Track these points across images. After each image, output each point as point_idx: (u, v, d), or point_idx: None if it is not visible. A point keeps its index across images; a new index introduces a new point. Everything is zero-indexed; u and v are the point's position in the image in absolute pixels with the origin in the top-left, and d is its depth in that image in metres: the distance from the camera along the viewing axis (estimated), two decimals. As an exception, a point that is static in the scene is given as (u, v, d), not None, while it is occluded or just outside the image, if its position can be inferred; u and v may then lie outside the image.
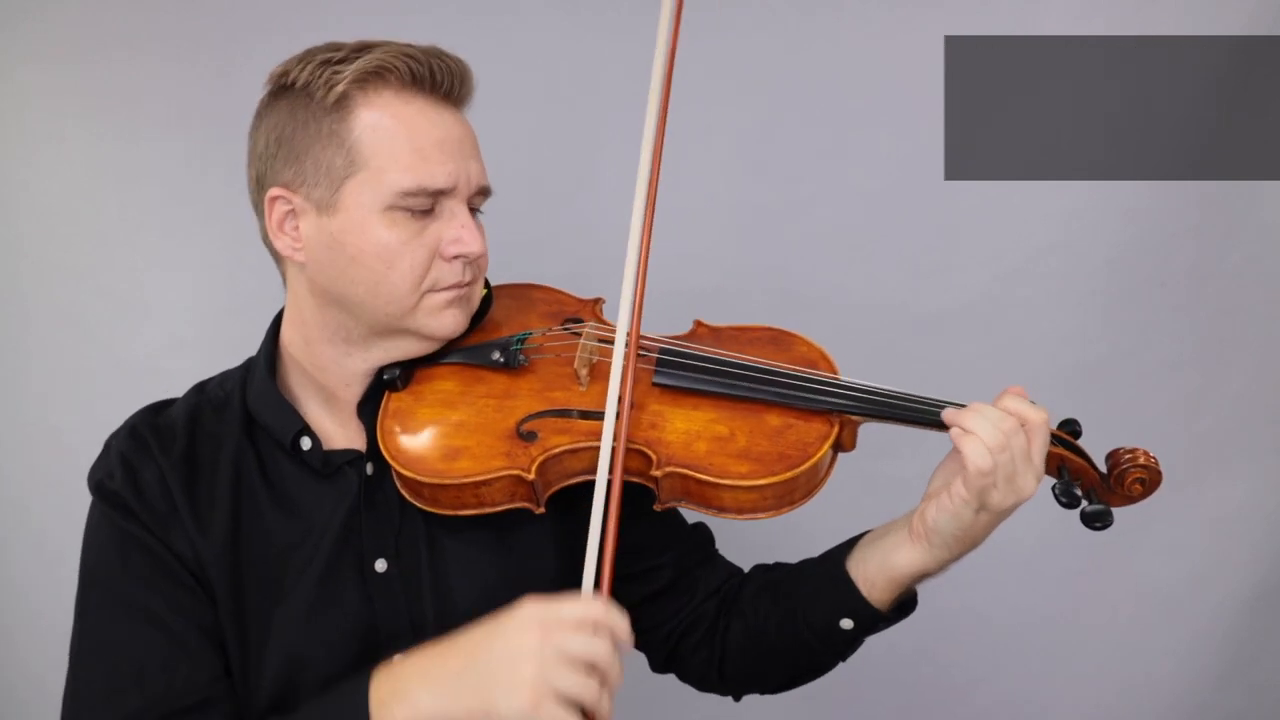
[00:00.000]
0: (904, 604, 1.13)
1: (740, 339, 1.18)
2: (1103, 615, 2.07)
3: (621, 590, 1.22)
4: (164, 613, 1.04)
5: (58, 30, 1.79)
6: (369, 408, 1.12)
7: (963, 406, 1.05)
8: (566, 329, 1.19)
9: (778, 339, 1.18)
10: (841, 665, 1.19)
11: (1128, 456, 1.05)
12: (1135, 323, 1.96)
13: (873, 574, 1.09)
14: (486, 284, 1.21)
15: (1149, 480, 1.04)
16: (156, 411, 1.15)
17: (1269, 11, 1.81)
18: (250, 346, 1.26)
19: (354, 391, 1.14)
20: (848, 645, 1.14)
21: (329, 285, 1.08)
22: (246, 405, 1.14)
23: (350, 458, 1.12)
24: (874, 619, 1.10)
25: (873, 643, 1.19)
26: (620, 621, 0.88)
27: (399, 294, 1.06)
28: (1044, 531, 1.66)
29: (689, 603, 1.23)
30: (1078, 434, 1.11)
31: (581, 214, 1.90)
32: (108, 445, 1.13)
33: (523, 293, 1.27)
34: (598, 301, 1.26)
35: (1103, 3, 1.85)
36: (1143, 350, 1.97)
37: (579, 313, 1.23)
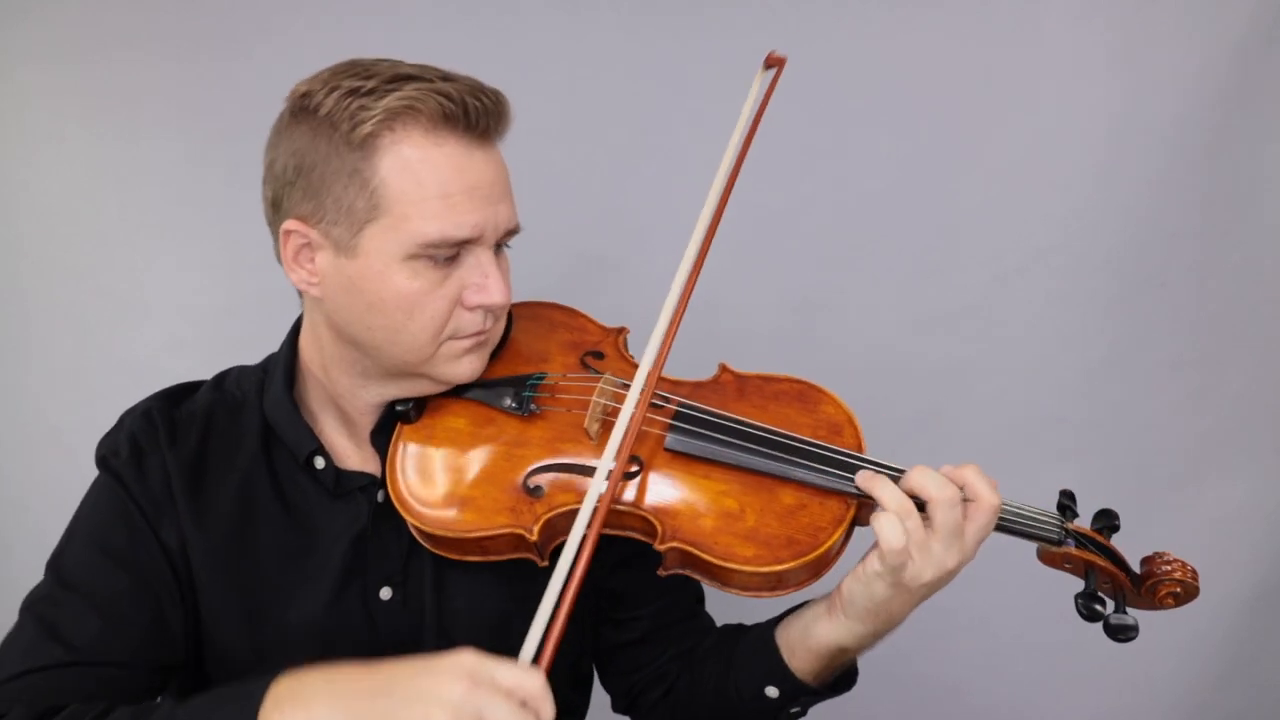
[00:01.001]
0: (840, 680, 1.09)
1: (765, 391, 1.13)
2: (1103, 615, 2.07)
3: (598, 633, 1.22)
4: (130, 584, 1.04)
5: (58, 30, 1.79)
6: (382, 437, 1.10)
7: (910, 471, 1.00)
8: (585, 368, 1.15)
9: (804, 395, 1.12)
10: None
11: (1165, 568, 0.99)
12: (1135, 323, 1.96)
13: (794, 642, 1.05)
14: None
15: (1183, 595, 1.00)
16: (175, 403, 1.13)
17: (1269, 11, 1.81)
18: (250, 346, 1.26)
19: (369, 419, 1.12)
20: (775, 714, 1.08)
21: (345, 326, 1.05)
22: (264, 411, 1.13)
23: (363, 482, 1.11)
24: (797, 690, 1.05)
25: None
26: (549, 708, 0.81)
27: (418, 343, 1.03)
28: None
29: (657, 658, 1.21)
30: (1115, 528, 1.04)
31: (582, 215, 1.90)
32: (121, 421, 1.12)
33: (543, 314, 1.23)
34: (621, 332, 1.20)
35: (1103, 3, 1.85)
36: (1143, 350, 1.97)
37: (600, 344, 1.18)
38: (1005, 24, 1.86)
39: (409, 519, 1.04)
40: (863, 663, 1.22)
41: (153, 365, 1.84)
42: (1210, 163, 1.88)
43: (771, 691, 1.06)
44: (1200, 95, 1.85)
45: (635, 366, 1.11)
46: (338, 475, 1.10)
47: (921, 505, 0.96)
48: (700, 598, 1.27)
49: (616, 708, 1.30)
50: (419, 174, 0.97)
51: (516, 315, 1.21)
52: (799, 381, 1.13)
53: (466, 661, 0.81)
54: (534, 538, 1.01)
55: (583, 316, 1.23)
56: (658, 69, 1.89)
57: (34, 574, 1.17)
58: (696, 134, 1.89)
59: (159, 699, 1.06)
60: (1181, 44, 1.83)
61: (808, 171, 1.92)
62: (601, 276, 1.89)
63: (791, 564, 0.97)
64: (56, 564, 1.07)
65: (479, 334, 1.05)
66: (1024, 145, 1.90)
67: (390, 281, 0.99)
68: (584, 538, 0.93)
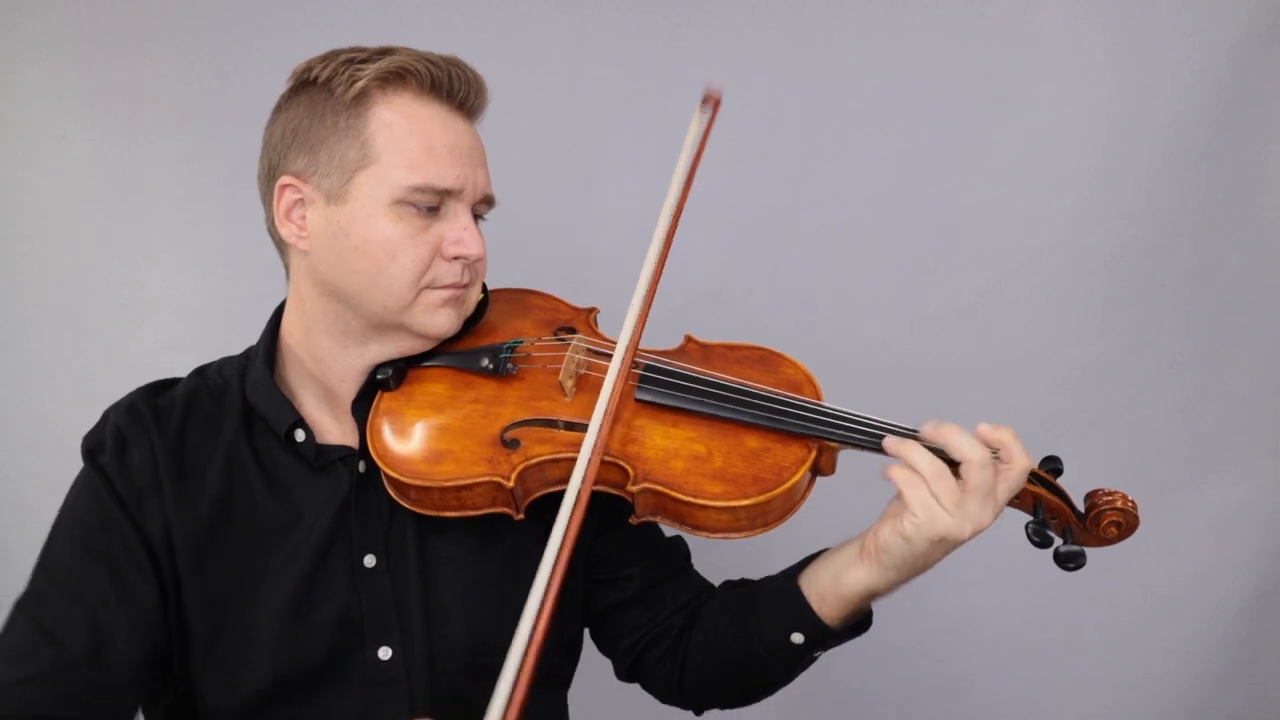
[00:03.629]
0: (859, 622, 1.12)
1: (729, 357, 1.18)
2: (1103, 615, 2.07)
3: (590, 597, 1.24)
4: (113, 579, 1.06)
5: (58, 30, 1.79)
6: (362, 406, 1.14)
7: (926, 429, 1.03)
8: (558, 338, 1.19)
9: (765, 359, 1.17)
10: (841, 663, 1.20)
11: (1106, 499, 1.05)
12: (1135, 323, 1.96)
13: (824, 590, 1.08)
14: (483, 288, 1.22)
15: (1125, 524, 1.04)
16: (157, 391, 1.17)
17: (1269, 11, 1.81)
18: (249, 345, 1.26)
19: (349, 388, 1.15)
20: (798, 660, 1.13)
21: (330, 274, 1.10)
22: (245, 393, 1.16)
23: (343, 454, 1.14)
24: (824, 634, 1.09)
25: (872, 642, 1.19)
26: None
27: (398, 287, 1.08)
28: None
29: (655, 615, 1.24)
30: (1059, 472, 1.09)
31: (579, 213, 1.90)
32: (105, 416, 1.15)
33: (519, 298, 1.28)
34: (592, 311, 1.26)
35: (1103, 3, 1.85)
36: (1143, 350, 1.97)
37: (573, 321, 1.23)
38: (1005, 24, 1.86)
39: (388, 472, 1.07)
40: (865, 663, 1.24)
41: (153, 365, 1.82)
42: (1210, 163, 1.88)
43: (797, 638, 1.09)
44: (1200, 95, 1.85)
45: (605, 339, 1.19)
46: (318, 448, 1.13)
47: (953, 465, 0.99)
48: (687, 555, 1.30)
49: (620, 674, 1.31)
50: (407, 127, 1.07)
51: (493, 298, 1.25)
52: (760, 348, 1.19)
53: None
54: (510, 484, 1.04)
55: (556, 299, 1.29)
56: (658, 68, 1.89)
57: (34, 574, 1.17)
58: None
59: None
60: (1181, 44, 1.83)
61: (808, 171, 1.92)
62: (602, 274, 1.89)
63: (758, 498, 1.01)
64: (44, 563, 1.09)
65: (455, 286, 1.11)
66: (1024, 145, 1.90)
67: (376, 225, 1.06)
68: (578, 493, 0.96)
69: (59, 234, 1.86)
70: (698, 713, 1.31)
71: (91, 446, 1.12)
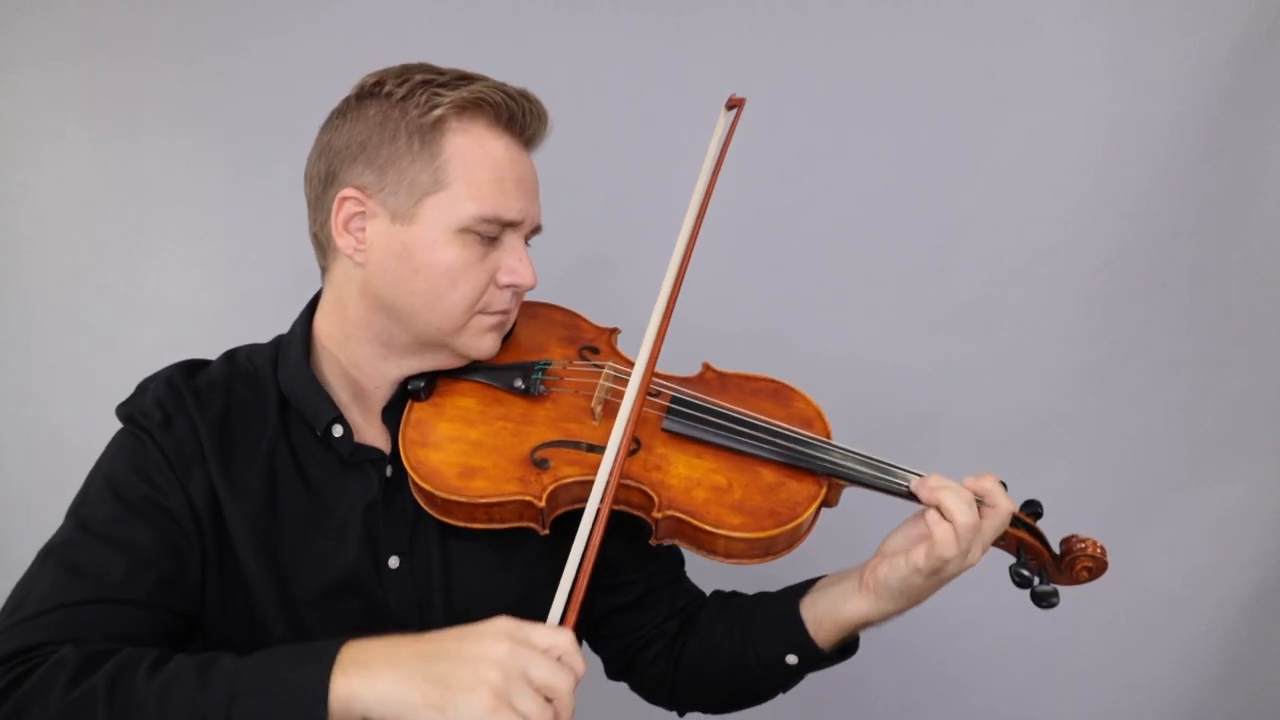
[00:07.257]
0: (845, 647, 1.19)
1: (745, 388, 1.24)
2: (1103, 615, 2.07)
3: (592, 600, 1.28)
4: (153, 531, 1.05)
5: (58, 30, 1.80)
6: (393, 414, 1.16)
7: (927, 477, 1.10)
8: (586, 362, 1.23)
9: (779, 393, 1.24)
10: (842, 664, 1.21)
11: (1080, 546, 1.14)
12: (1135, 323, 1.96)
13: (821, 617, 1.16)
14: None
15: (1095, 569, 1.15)
16: (191, 372, 1.18)
17: (1269, 11, 1.81)
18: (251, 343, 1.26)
19: (382, 394, 1.18)
20: (789, 678, 1.21)
21: (386, 291, 1.11)
22: (279, 385, 1.17)
23: (374, 455, 1.16)
24: (816, 658, 1.17)
25: (872, 641, 1.20)
26: (581, 662, 0.88)
27: (454, 312, 1.11)
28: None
29: (653, 619, 1.29)
30: (1038, 515, 1.18)
31: (582, 215, 1.90)
32: (143, 388, 1.16)
33: (541, 312, 1.31)
34: (614, 332, 1.30)
35: (1103, 3, 1.85)
36: (1143, 350, 1.97)
37: (595, 341, 1.27)
38: (1005, 24, 1.87)
39: (423, 485, 1.09)
40: (865, 663, 1.25)
41: (153, 365, 1.80)
42: (1210, 163, 1.88)
43: (792, 659, 1.18)
44: (1200, 95, 1.85)
45: (628, 361, 1.22)
46: (354, 446, 1.15)
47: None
48: (681, 562, 1.35)
49: (611, 672, 1.35)
50: (480, 158, 1.10)
51: (518, 313, 1.26)
52: (774, 381, 1.25)
53: (505, 625, 0.88)
54: (541, 504, 1.08)
55: (578, 316, 1.32)
56: (658, 69, 1.89)
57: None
58: (696, 134, 1.89)
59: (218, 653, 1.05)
60: (1181, 43, 1.83)
61: (807, 171, 1.92)
62: (602, 276, 1.89)
63: (774, 532, 1.08)
64: (78, 512, 1.07)
65: (504, 312, 1.15)
66: (1024, 145, 1.90)
67: (441, 251, 1.09)
68: (598, 511, 1.00)
69: (59, 234, 1.87)
70: (680, 715, 1.36)
71: (131, 412, 1.12)
